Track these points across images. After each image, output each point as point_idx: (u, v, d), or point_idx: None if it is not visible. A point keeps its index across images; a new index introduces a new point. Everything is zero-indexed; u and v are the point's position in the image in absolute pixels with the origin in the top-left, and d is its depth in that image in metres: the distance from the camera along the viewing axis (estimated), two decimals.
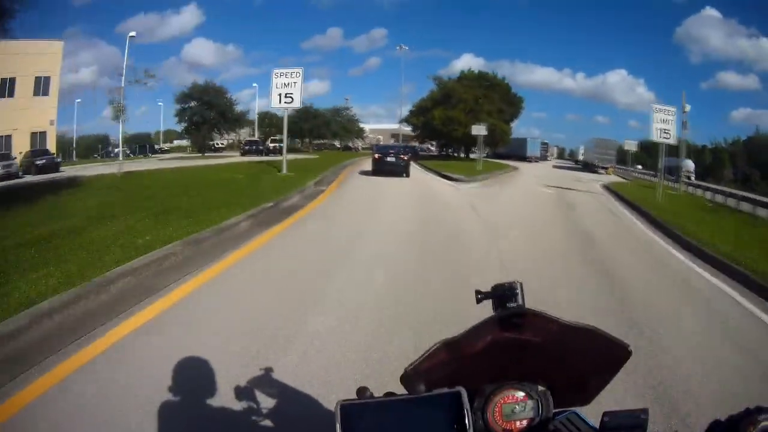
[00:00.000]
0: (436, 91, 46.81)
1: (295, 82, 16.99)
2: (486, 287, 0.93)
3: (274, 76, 17.30)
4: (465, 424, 0.68)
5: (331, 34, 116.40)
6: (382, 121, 79.92)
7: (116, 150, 56.83)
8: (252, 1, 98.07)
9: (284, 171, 17.19)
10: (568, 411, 0.92)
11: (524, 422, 0.84)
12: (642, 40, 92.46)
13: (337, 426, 0.67)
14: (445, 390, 0.71)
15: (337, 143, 72.42)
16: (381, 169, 19.38)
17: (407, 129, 62.39)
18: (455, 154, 55.88)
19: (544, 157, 55.71)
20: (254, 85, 60.07)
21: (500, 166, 32.64)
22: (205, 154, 42.28)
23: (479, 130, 28.16)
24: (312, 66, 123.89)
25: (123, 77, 18.77)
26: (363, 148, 63.91)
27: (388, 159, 19.79)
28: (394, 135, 68.08)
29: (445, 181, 19.68)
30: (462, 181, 19.17)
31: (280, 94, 17.10)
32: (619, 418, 0.76)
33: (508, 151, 48.96)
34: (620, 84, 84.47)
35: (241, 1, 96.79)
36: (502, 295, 0.90)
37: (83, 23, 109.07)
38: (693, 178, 30.13)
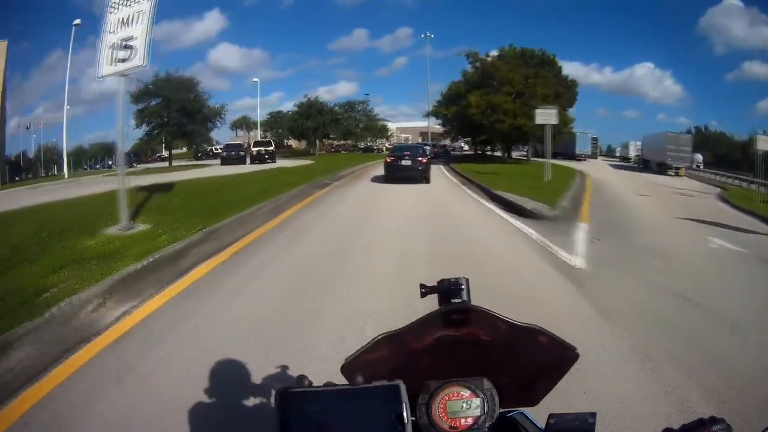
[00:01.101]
0: (471, 72, 36.01)
1: (139, 13, 6.99)
2: None
3: (107, 11, 7.37)
4: (402, 417, 0.67)
5: (356, 35, 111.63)
6: (412, 120, 72.41)
7: (109, 162, 49.33)
8: (275, 5, 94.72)
9: (121, 225, 7.14)
10: (515, 411, 0.91)
11: (470, 420, 0.82)
12: (666, 31, 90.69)
13: (276, 413, 0.67)
14: (384, 382, 0.69)
15: (361, 144, 63.78)
16: (394, 174, 16.10)
17: (437, 126, 52.83)
18: (493, 154, 45.30)
19: (593, 155, 48.73)
20: (255, 80, 51.12)
21: (566, 172, 22.36)
22: (173, 164, 33.17)
23: (548, 117, 17.42)
24: (339, 68, 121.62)
25: None
26: (388, 149, 54.40)
27: (403, 162, 16.36)
28: (423, 133, 59.32)
29: (512, 220, 9.05)
30: (551, 223, 8.62)
31: (113, 44, 7.17)
32: (566, 420, 0.75)
33: (553, 148, 39.54)
34: (648, 77, 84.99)
35: (264, 5, 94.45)
36: (447, 290, 0.90)
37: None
38: (702, 167, 32.36)
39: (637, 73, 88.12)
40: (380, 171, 20.36)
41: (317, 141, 49.29)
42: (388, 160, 16.93)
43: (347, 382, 0.74)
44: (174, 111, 28.94)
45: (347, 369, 0.83)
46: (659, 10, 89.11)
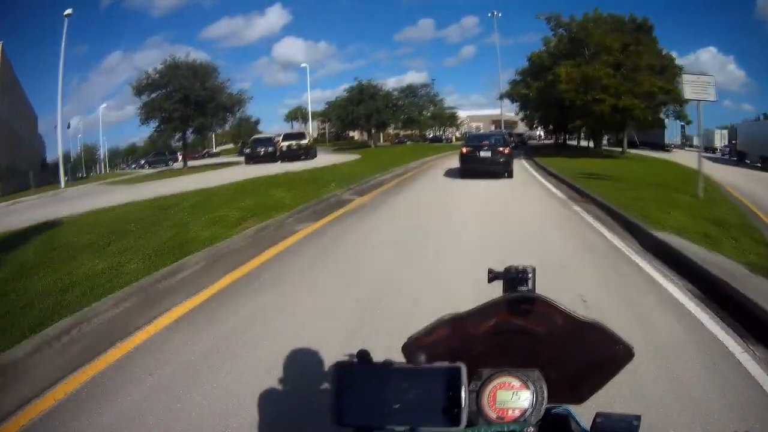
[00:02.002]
0: (555, 40, 28.51)
1: None
2: None
3: None
4: (460, 400, 0.66)
5: (422, 25, 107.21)
6: (482, 109, 67.15)
7: (141, 161, 47.05)
8: None
9: None
10: (561, 407, 0.88)
11: (517, 412, 0.80)
12: (727, 14, 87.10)
13: (333, 386, 0.67)
14: (446, 364, 0.69)
15: (429, 134, 58.22)
16: (471, 168, 14.38)
17: (510, 114, 45.58)
18: (578, 144, 37.41)
19: (681, 145, 44.19)
20: (303, 65, 46.63)
21: (683, 172, 16.01)
22: (188, 165, 28.87)
23: (702, 89, 10.33)
24: (407, 58, 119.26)
25: None
26: (458, 139, 48.25)
27: (482, 154, 14.44)
28: (495, 120, 52.64)
29: None
30: None
31: None
32: (612, 421, 0.75)
33: (634, 136, 35.51)
34: (711, 62, 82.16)
35: None
36: (514, 278, 0.90)
37: (167, 31, 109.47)
38: None
39: (701, 58, 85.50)
40: (440, 171, 17.53)
41: (375, 131, 43.50)
42: (464, 150, 15.11)
43: (406, 361, 0.74)
44: (175, 102, 24.40)
45: (408, 348, 0.83)
46: None
